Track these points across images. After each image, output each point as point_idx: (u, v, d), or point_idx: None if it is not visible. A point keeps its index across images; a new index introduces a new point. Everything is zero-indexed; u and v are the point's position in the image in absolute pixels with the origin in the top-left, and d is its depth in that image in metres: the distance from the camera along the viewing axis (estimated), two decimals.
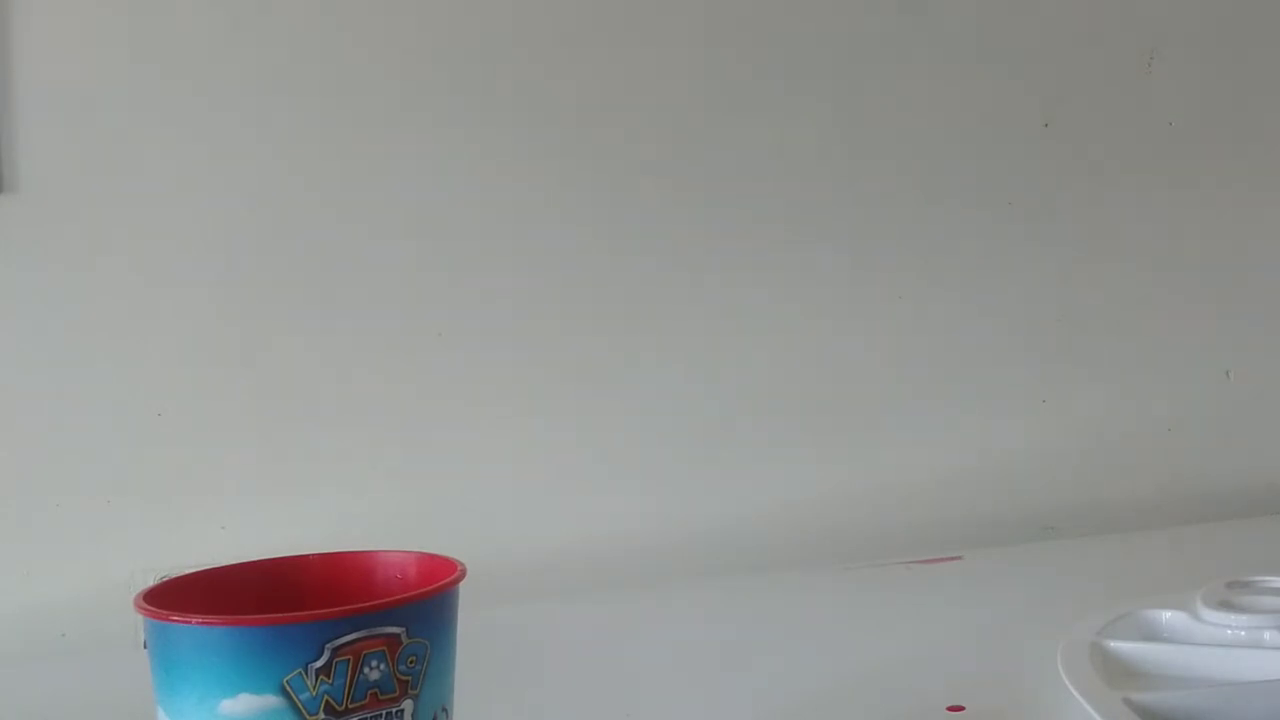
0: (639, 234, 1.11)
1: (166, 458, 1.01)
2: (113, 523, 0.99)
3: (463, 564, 0.53)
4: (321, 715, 0.47)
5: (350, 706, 0.47)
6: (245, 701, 0.46)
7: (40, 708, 0.81)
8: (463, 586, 0.52)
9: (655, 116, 1.11)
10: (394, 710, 0.49)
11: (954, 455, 1.18)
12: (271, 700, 0.46)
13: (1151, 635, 0.74)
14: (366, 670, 0.48)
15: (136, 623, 0.50)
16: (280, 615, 0.48)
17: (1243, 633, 0.71)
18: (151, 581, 0.55)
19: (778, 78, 1.14)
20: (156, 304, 1.01)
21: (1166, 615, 0.75)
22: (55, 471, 0.99)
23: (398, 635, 0.48)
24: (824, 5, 1.14)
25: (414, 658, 0.49)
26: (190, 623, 0.48)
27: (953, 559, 1.04)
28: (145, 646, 0.50)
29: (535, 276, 1.09)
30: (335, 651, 0.47)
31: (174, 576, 0.54)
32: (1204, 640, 0.72)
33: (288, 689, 0.46)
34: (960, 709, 0.68)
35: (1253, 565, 0.79)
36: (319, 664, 0.47)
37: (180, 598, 0.51)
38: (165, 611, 0.48)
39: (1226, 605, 0.73)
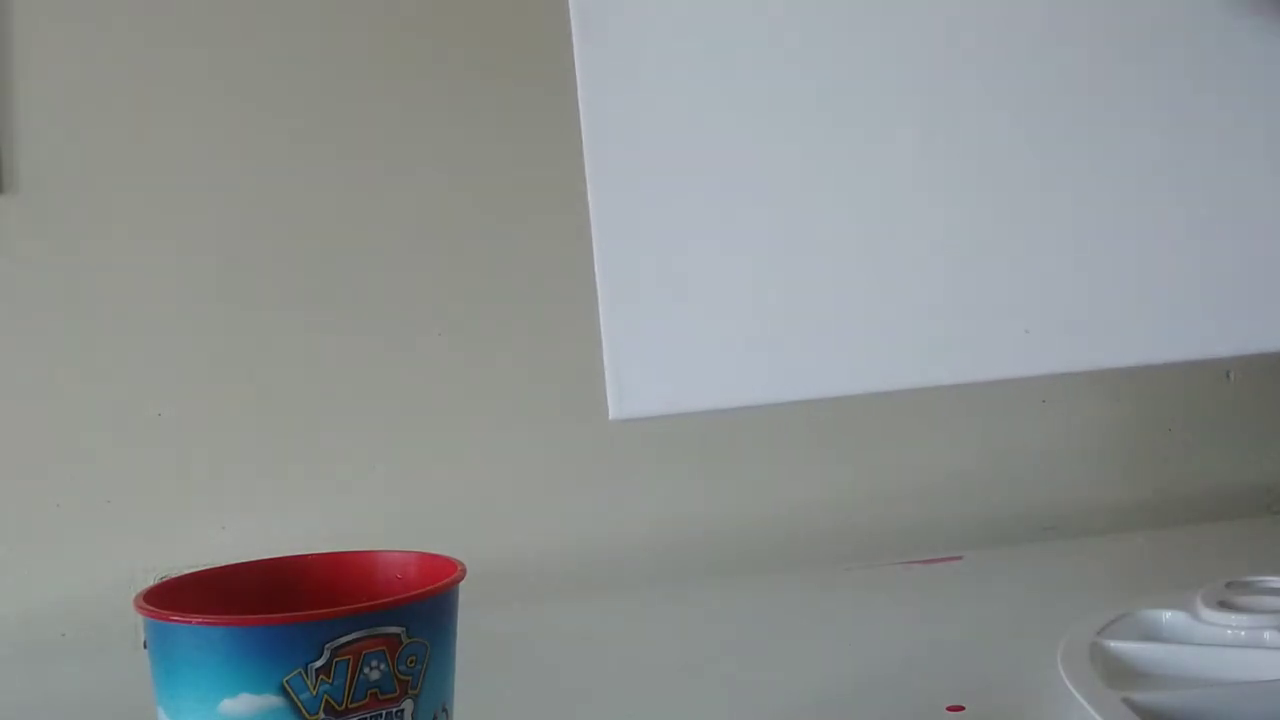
0: None
1: (166, 458, 1.01)
2: (113, 523, 0.99)
3: (463, 564, 0.53)
4: (322, 715, 0.47)
5: (350, 706, 0.47)
6: (245, 701, 0.46)
7: (40, 708, 0.81)
8: (463, 586, 0.53)
9: None
10: (394, 710, 0.49)
11: (954, 455, 1.18)
12: (272, 700, 0.46)
13: (1151, 635, 0.74)
14: (366, 670, 0.48)
15: (136, 623, 0.50)
16: (280, 615, 0.48)
17: (1243, 633, 0.71)
18: (151, 581, 0.55)
19: None
20: (156, 304, 1.01)
21: (1166, 615, 0.75)
22: (55, 471, 0.99)
23: (398, 635, 0.48)
24: None
25: (414, 658, 0.49)
26: (190, 623, 0.48)
27: (953, 559, 1.03)
28: (145, 646, 0.50)
29: (536, 275, 1.09)
30: (335, 651, 0.47)
31: (174, 576, 0.54)
32: (1204, 640, 0.72)
33: (288, 689, 0.46)
34: (960, 709, 0.68)
35: (1253, 565, 0.79)
36: (319, 664, 0.47)
37: (180, 598, 0.51)
38: (165, 611, 0.49)
39: (1226, 605, 0.73)
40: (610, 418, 0.61)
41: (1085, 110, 0.62)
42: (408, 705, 0.49)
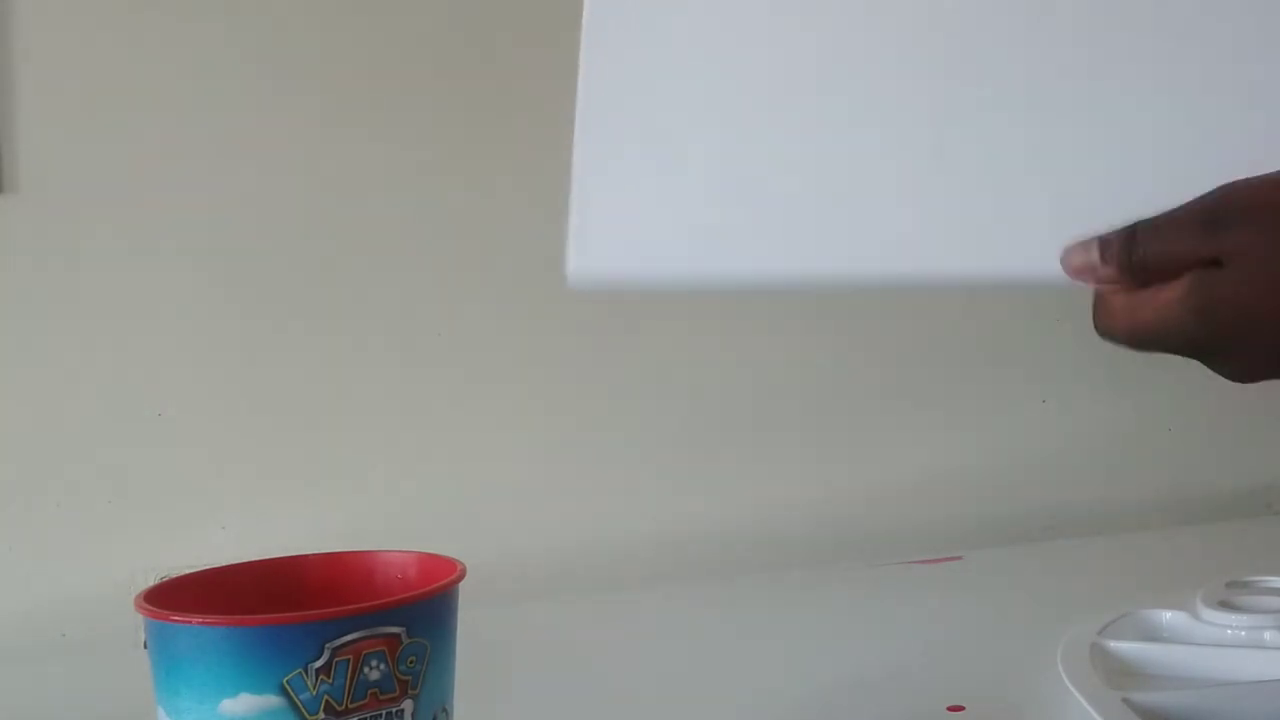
0: None
1: (166, 458, 1.01)
2: (113, 523, 0.99)
3: (463, 564, 0.53)
4: (321, 715, 0.47)
5: (350, 706, 0.47)
6: (245, 701, 0.46)
7: (40, 708, 0.81)
8: (463, 586, 0.53)
9: None
10: (394, 710, 0.49)
11: (954, 455, 1.18)
12: (272, 700, 0.46)
13: (1151, 635, 0.74)
14: (366, 670, 0.48)
15: (136, 623, 0.50)
16: (280, 615, 0.48)
17: (1243, 633, 0.71)
18: (151, 581, 0.55)
19: None
20: (156, 304, 1.01)
21: (1166, 615, 0.75)
22: (55, 471, 0.99)
23: (398, 635, 0.48)
24: None
25: (414, 658, 0.49)
26: (190, 623, 0.48)
27: (953, 559, 1.03)
28: (145, 646, 0.50)
29: (535, 276, 1.08)
30: (335, 651, 0.47)
31: (174, 576, 0.54)
32: (1204, 640, 0.72)
33: (288, 689, 0.46)
34: (960, 709, 0.68)
35: (1253, 565, 0.79)
36: (319, 664, 0.47)
37: (180, 598, 0.51)
38: (165, 611, 0.49)
39: (1226, 605, 0.73)
40: (568, 281, 0.58)
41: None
42: (408, 705, 0.49)
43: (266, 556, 0.57)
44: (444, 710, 0.51)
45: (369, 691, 0.48)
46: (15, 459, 0.98)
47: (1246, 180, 0.52)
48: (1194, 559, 1.01)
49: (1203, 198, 0.52)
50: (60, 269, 0.99)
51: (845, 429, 1.15)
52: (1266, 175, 0.52)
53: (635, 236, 0.59)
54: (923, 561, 1.03)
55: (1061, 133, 0.59)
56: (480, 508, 1.06)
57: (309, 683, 0.47)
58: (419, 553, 0.56)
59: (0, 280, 0.98)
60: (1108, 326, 0.57)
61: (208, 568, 0.56)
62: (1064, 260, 0.57)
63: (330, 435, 1.04)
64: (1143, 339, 0.56)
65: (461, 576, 0.52)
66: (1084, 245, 0.56)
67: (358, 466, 1.05)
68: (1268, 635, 0.70)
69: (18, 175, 0.98)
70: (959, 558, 1.04)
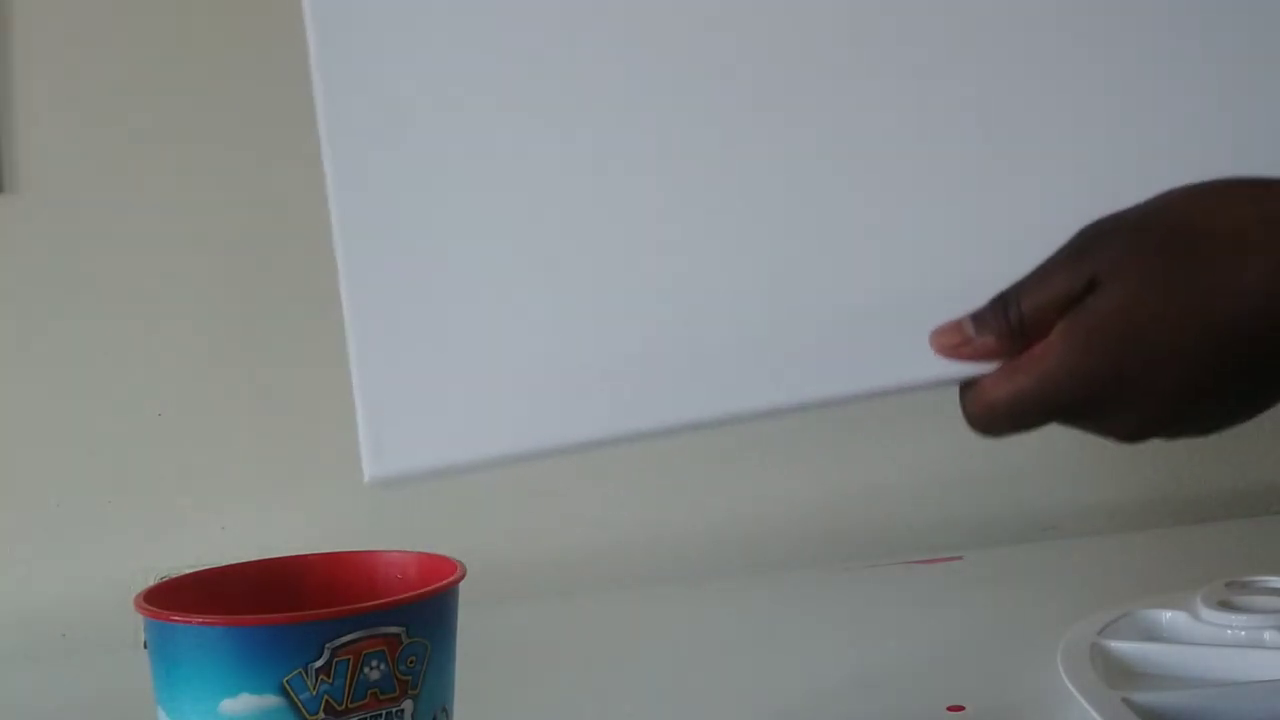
0: None
1: (166, 458, 1.01)
2: (113, 523, 0.99)
3: (463, 564, 0.53)
4: (322, 715, 0.47)
5: (350, 706, 0.47)
6: (245, 701, 0.46)
7: (40, 708, 0.82)
8: (463, 586, 0.53)
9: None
10: (394, 710, 0.49)
11: (954, 455, 1.17)
12: (272, 700, 0.47)
13: (1151, 635, 0.74)
14: (366, 670, 0.48)
15: (136, 623, 0.50)
16: (280, 615, 0.48)
17: (1243, 633, 0.71)
18: (151, 581, 0.55)
19: None
20: (156, 304, 1.01)
21: (1166, 615, 0.75)
22: (55, 471, 0.99)
23: (398, 635, 0.49)
24: None
25: (414, 658, 0.49)
26: (190, 623, 0.48)
27: (953, 559, 1.04)
28: (145, 646, 0.50)
29: None
30: (335, 651, 0.47)
31: (174, 576, 0.54)
32: (1204, 640, 0.72)
33: (288, 689, 0.47)
34: (960, 709, 0.68)
35: (1253, 565, 0.79)
36: (319, 664, 0.47)
37: (180, 598, 0.51)
38: (166, 611, 0.49)
39: (1226, 605, 0.73)
40: (366, 480, 0.54)
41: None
42: (408, 705, 0.49)
43: (266, 556, 0.57)
44: (444, 710, 0.51)
45: (369, 691, 0.48)
46: (15, 459, 0.98)
47: (1104, 216, 0.51)
48: (1194, 559, 1.01)
49: (1066, 242, 0.51)
50: (60, 268, 0.99)
51: (845, 428, 1.15)
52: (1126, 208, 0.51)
53: (434, 425, 0.56)
54: (923, 561, 1.03)
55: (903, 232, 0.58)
56: (480, 508, 1.06)
57: (309, 683, 0.47)
58: (419, 553, 0.56)
59: (0, 280, 0.98)
60: (984, 408, 0.53)
61: (208, 568, 0.56)
62: (934, 343, 0.54)
63: (330, 435, 1.04)
64: (1025, 407, 0.52)
65: (461, 576, 0.52)
66: (953, 325, 0.53)
67: (358, 466, 1.05)
68: (1268, 635, 0.70)
69: (17, 175, 0.98)
70: (959, 558, 1.04)
